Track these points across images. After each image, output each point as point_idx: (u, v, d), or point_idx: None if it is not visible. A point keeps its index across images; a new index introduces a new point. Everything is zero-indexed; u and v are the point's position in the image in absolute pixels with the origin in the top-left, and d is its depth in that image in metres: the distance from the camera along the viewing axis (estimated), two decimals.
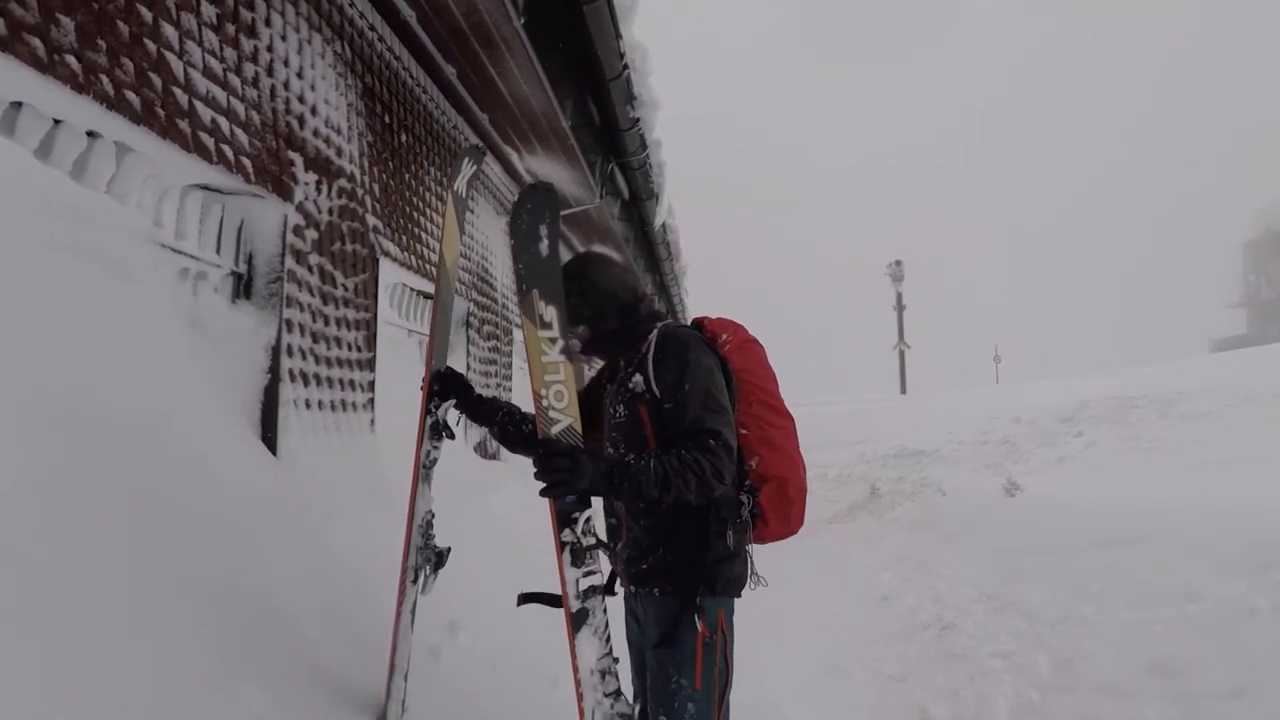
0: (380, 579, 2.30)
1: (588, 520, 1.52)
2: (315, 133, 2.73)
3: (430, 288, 4.04)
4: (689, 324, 1.77)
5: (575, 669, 1.51)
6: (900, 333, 26.99)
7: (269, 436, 2.37)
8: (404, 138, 3.60)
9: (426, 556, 1.79)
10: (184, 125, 2.01)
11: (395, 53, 3.51)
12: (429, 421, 1.80)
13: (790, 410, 1.76)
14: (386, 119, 3.39)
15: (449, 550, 1.83)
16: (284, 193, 2.50)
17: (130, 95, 1.81)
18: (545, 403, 1.49)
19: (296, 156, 2.59)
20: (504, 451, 5.10)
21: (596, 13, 3.71)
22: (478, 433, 4.71)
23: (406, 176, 3.65)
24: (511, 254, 1.51)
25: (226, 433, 2.11)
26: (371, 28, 3.27)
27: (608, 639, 1.55)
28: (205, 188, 2.30)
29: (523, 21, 3.27)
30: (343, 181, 2.94)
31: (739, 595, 1.67)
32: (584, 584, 1.52)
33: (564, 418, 1.50)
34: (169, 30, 1.97)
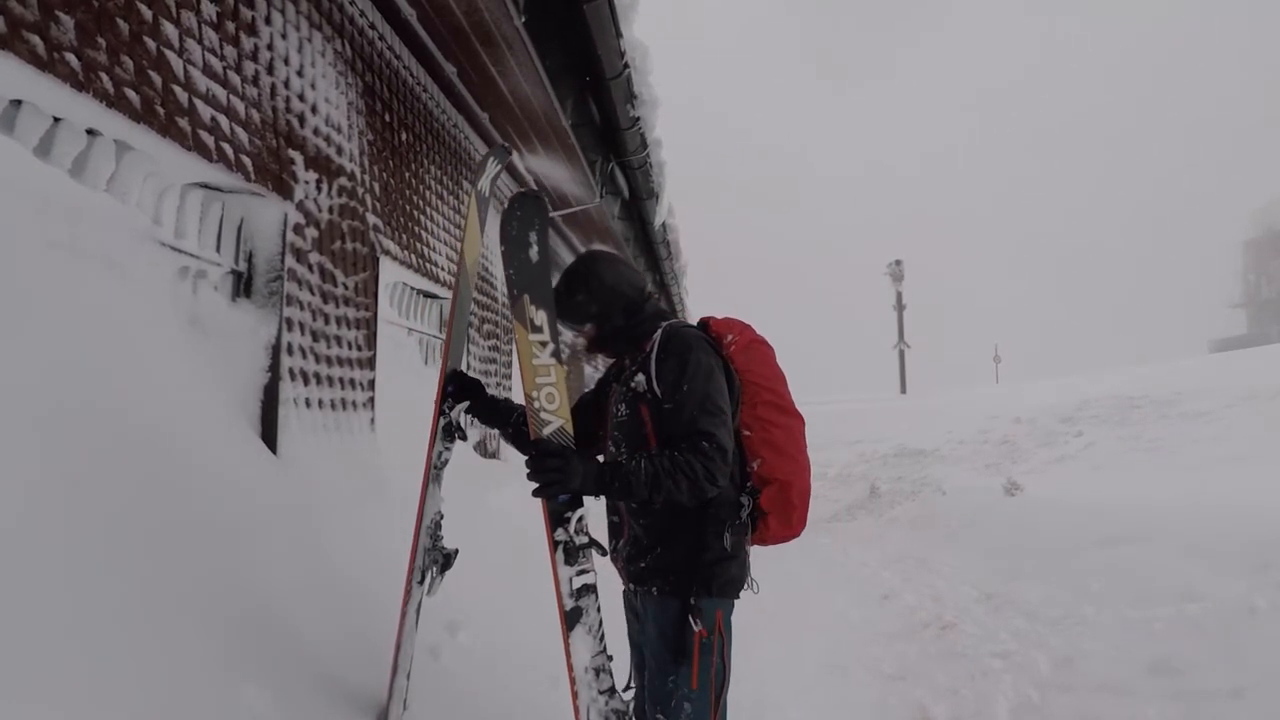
0: (380, 578, 2.30)
1: (580, 519, 1.54)
2: (315, 131, 2.73)
3: (430, 286, 4.04)
4: (695, 323, 1.76)
5: (570, 667, 1.52)
6: (900, 332, 26.99)
7: (269, 435, 2.36)
8: (404, 136, 3.60)
9: (434, 558, 1.80)
10: (184, 123, 2.00)
11: (395, 51, 3.51)
12: (442, 423, 1.80)
13: (799, 410, 1.74)
14: (387, 117, 3.39)
15: (456, 552, 1.83)
16: (284, 191, 2.50)
17: (130, 93, 1.81)
18: (537, 404, 1.51)
19: (297, 155, 2.59)
20: (504, 451, 5.10)
21: (597, 11, 3.70)
22: (477, 432, 4.70)
23: (407, 175, 3.64)
24: (503, 259, 1.54)
25: (226, 431, 2.11)
26: (372, 26, 3.26)
27: (601, 637, 1.56)
28: (205, 186, 2.30)
29: (523, 20, 3.26)
30: (343, 180, 2.94)
31: (737, 596, 1.67)
32: (577, 583, 1.53)
33: (555, 419, 1.52)
34: (169, 28, 1.97)
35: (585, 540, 1.55)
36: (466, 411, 1.84)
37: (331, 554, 2.25)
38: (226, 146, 2.19)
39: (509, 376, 5.48)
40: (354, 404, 2.99)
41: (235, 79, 2.25)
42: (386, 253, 3.34)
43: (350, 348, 2.99)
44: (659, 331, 1.67)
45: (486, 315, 5.00)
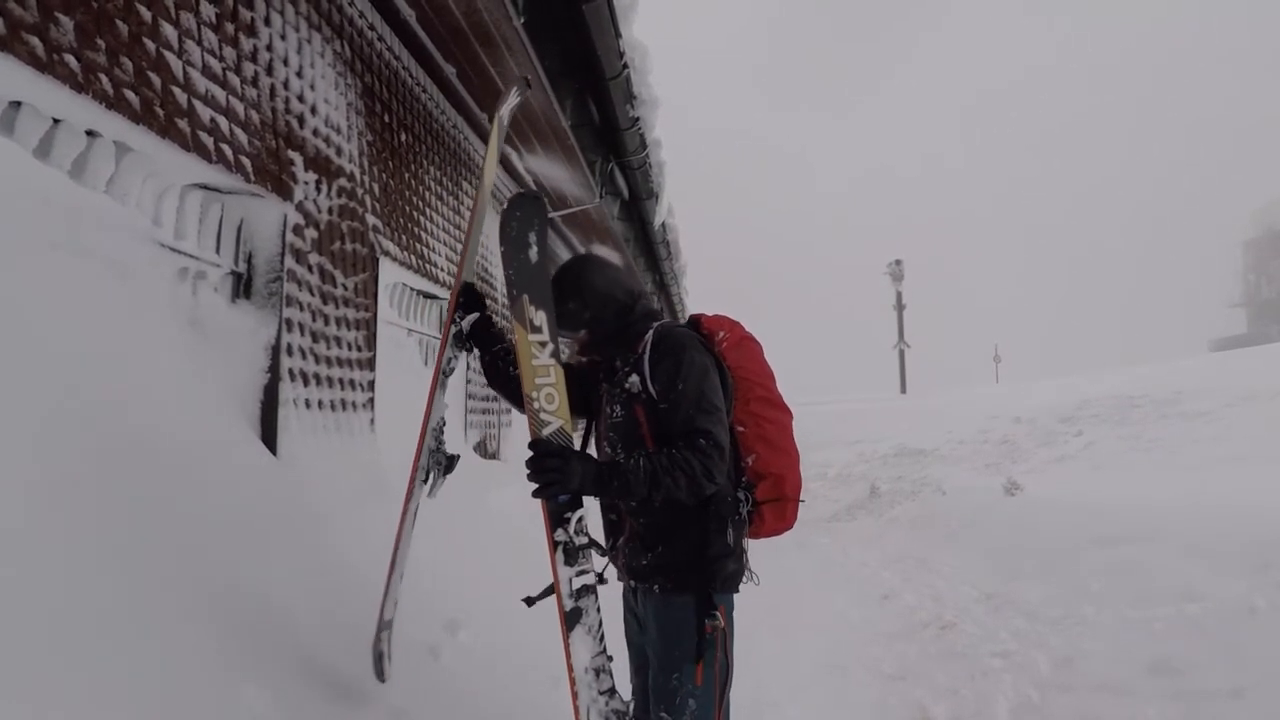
0: (380, 579, 2.30)
1: (580, 520, 1.54)
2: (315, 132, 2.73)
3: (430, 287, 4.04)
4: (685, 322, 1.78)
5: (570, 668, 1.52)
6: (900, 332, 26.99)
7: (269, 436, 2.37)
8: (404, 137, 3.60)
9: (437, 460, 1.83)
10: (183, 124, 2.01)
11: (395, 52, 3.51)
12: (453, 330, 1.83)
13: (789, 405, 1.77)
14: (386, 118, 3.39)
15: (458, 456, 1.86)
16: (284, 192, 2.50)
17: (129, 94, 1.81)
18: (536, 405, 1.51)
19: (296, 156, 2.59)
20: (504, 451, 5.10)
21: (596, 12, 3.70)
22: (477, 433, 4.71)
23: (406, 176, 3.64)
24: (502, 260, 1.54)
25: (226, 432, 2.11)
26: (371, 27, 3.27)
27: (601, 637, 1.56)
28: (205, 187, 2.30)
29: (522, 21, 3.27)
30: (342, 181, 2.94)
31: (738, 591, 1.69)
32: (577, 583, 1.53)
33: (555, 420, 1.52)
34: (168, 29, 1.97)
35: (585, 541, 1.55)
36: (470, 327, 1.86)
37: (331, 554, 2.25)
38: (226, 147, 2.19)
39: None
40: (354, 405, 3.00)
41: (234, 80, 2.25)
42: (386, 253, 3.34)
43: (350, 348, 2.99)
44: (650, 332, 1.67)
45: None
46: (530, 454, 1.49)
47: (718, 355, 1.68)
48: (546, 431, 1.51)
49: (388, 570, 1.84)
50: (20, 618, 1.16)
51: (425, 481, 1.82)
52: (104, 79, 1.73)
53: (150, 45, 1.90)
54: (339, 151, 2.92)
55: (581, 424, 1.85)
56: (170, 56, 1.97)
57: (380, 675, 1.86)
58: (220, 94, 2.17)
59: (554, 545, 1.53)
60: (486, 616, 2.65)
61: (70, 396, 1.53)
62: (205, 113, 2.10)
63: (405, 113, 3.63)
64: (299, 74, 2.64)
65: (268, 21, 2.45)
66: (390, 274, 3.54)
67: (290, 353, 2.52)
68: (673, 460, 1.49)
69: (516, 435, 5.35)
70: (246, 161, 2.29)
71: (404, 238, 3.58)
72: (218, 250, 2.37)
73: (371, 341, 3.19)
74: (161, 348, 1.95)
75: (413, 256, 3.67)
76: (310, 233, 2.68)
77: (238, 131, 2.25)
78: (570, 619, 1.52)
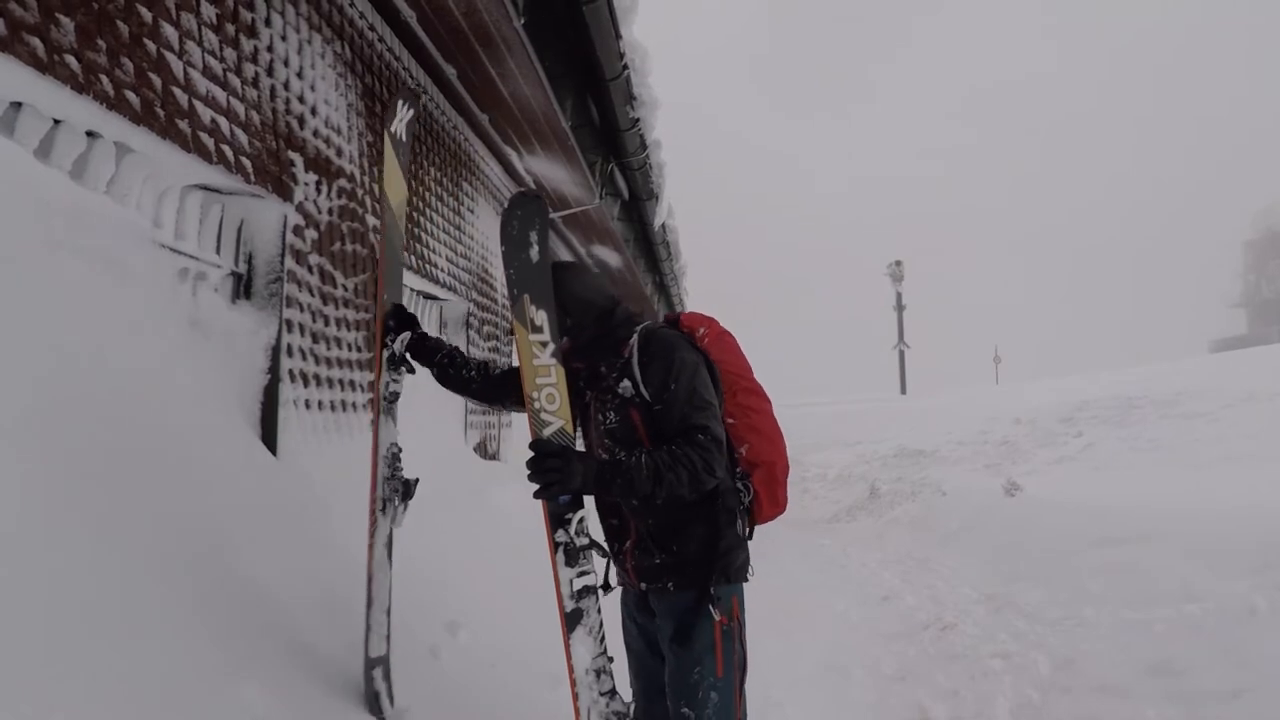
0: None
1: (581, 520, 1.54)
2: (315, 133, 2.74)
3: (430, 288, 4.04)
4: (663, 323, 1.80)
5: (570, 669, 1.52)
6: (900, 333, 26.98)
7: (269, 436, 2.37)
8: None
9: (394, 487, 1.81)
10: (184, 125, 2.01)
11: (395, 53, 3.51)
12: (386, 354, 1.85)
13: (767, 393, 1.83)
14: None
15: (416, 481, 1.84)
16: (284, 193, 2.50)
17: (130, 95, 1.81)
18: (537, 405, 1.51)
19: (296, 156, 2.60)
20: (504, 452, 5.10)
21: (597, 13, 3.70)
22: (477, 433, 4.71)
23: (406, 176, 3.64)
24: (503, 260, 1.54)
25: (226, 433, 2.11)
26: (371, 28, 3.27)
27: (602, 639, 1.56)
28: (205, 188, 2.30)
29: (523, 22, 3.27)
30: (342, 181, 2.94)
31: (747, 580, 1.71)
32: (578, 584, 1.53)
33: (556, 419, 1.52)
34: (169, 30, 1.97)
35: (586, 542, 1.55)
36: (406, 346, 1.87)
37: (331, 554, 2.25)
38: (226, 148, 2.19)
39: None
40: (354, 405, 3.00)
41: (235, 81, 2.25)
42: None
43: (350, 349, 2.99)
44: (635, 336, 1.68)
45: (486, 316, 5.01)
46: (531, 454, 1.49)
47: (703, 351, 1.70)
48: (547, 432, 1.51)
49: (365, 605, 1.81)
50: (19, 617, 1.16)
51: (384, 512, 1.80)
52: (105, 80, 1.73)
53: (151, 46, 1.90)
54: (339, 152, 2.92)
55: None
56: (171, 57, 1.97)
57: (379, 714, 1.79)
58: (221, 95, 2.18)
59: (554, 546, 1.52)
60: (486, 616, 2.65)
61: (70, 396, 1.53)
62: (206, 113, 2.10)
63: None
64: (299, 75, 2.64)
65: (268, 22, 2.46)
66: None
67: (290, 353, 2.52)
68: (673, 456, 1.50)
69: (517, 436, 5.35)
70: (247, 162, 2.29)
71: (404, 238, 3.58)
72: (218, 251, 2.37)
73: (371, 342, 3.20)
74: (161, 349, 1.95)
75: (413, 257, 3.68)
76: (310, 233, 2.68)
77: (238, 132, 2.25)
78: (571, 620, 1.52)
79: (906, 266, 27.72)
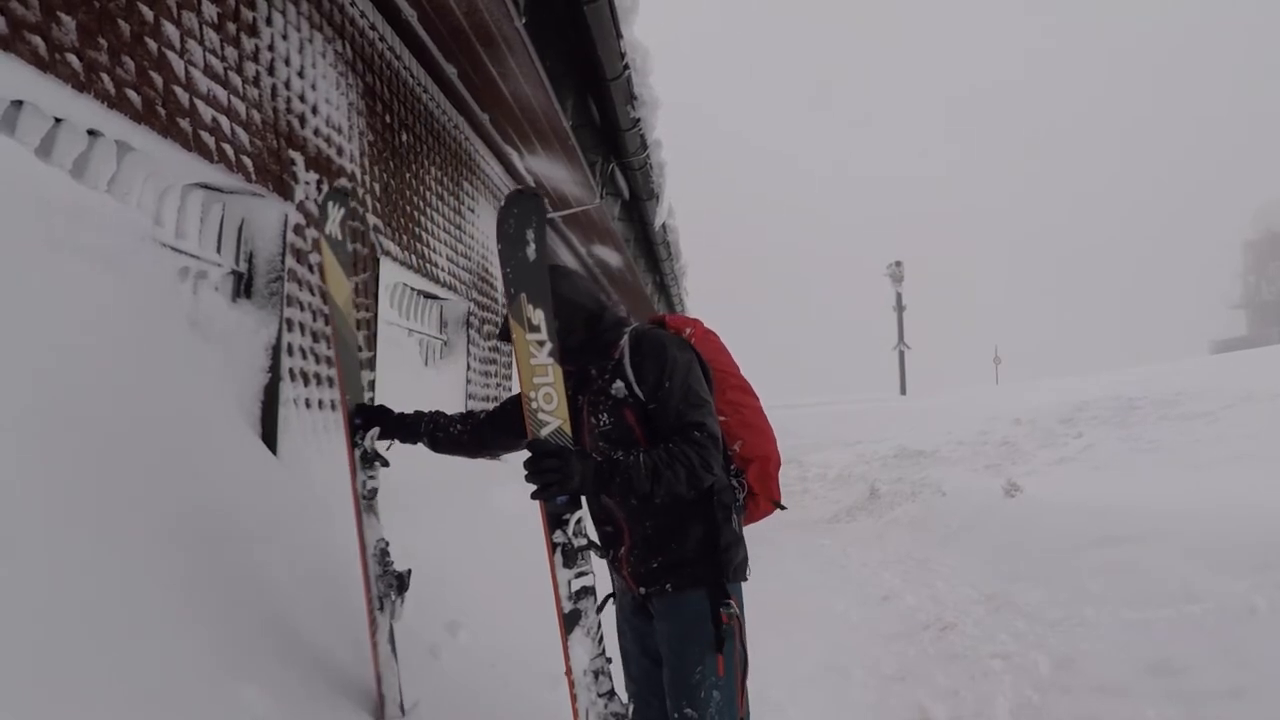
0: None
1: (579, 521, 1.53)
2: (316, 132, 2.73)
3: (430, 287, 4.04)
4: (652, 325, 1.80)
5: (568, 670, 1.51)
6: (900, 333, 26.97)
7: (269, 436, 2.37)
8: (405, 137, 3.60)
9: (388, 583, 1.81)
10: (185, 124, 2.01)
11: (396, 52, 3.51)
12: (357, 453, 1.84)
13: (754, 390, 1.85)
14: (387, 118, 3.40)
15: (409, 572, 1.84)
16: (285, 192, 2.50)
17: (131, 94, 1.81)
18: (534, 405, 1.50)
19: (297, 155, 2.60)
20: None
21: (597, 12, 3.70)
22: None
23: (407, 176, 3.65)
24: (500, 258, 1.53)
25: (226, 432, 2.11)
26: (372, 27, 3.27)
27: (600, 639, 1.56)
28: (206, 187, 2.30)
29: (524, 21, 3.27)
30: (343, 180, 2.94)
31: (746, 579, 1.72)
32: (576, 585, 1.52)
33: (553, 419, 1.51)
34: (170, 29, 1.97)
35: (584, 542, 1.54)
36: (379, 437, 1.86)
37: (331, 554, 2.25)
38: (227, 147, 2.19)
39: (509, 377, 5.48)
40: None
41: (236, 80, 2.25)
42: (387, 253, 3.34)
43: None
44: (625, 337, 1.68)
45: (487, 315, 5.01)
46: (528, 454, 1.48)
47: (694, 349, 1.71)
48: (545, 432, 1.50)
49: (378, 703, 1.80)
50: (18, 617, 1.16)
51: (383, 610, 1.80)
52: (106, 78, 1.73)
53: (152, 44, 1.90)
54: (340, 151, 2.92)
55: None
56: (172, 56, 1.97)
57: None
58: (222, 93, 2.18)
59: (552, 547, 1.52)
60: (486, 616, 2.65)
61: (69, 395, 1.53)
62: (207, 112, 2.10)
63: (406, 113, 3.63)
64: (300, 74, 2.64)
65: (269, 21, 2.46)
66: (391, 274, 3.54)
67: (291, 352, 2.52)
68: (671, 454, 1.50)
69: None
70: (248, 161, 2.29)
71: (405, 238, 3.58)
72: (219, 250, 2.37)
73: (372, 341, 3.20)
74: (162, 347, 1.95)
75: (413, 256, 3.68)
76: (311, 232, 2.68)
77: (239, 131, 2.25)
78: (569, 621, 1.52)
79: (906, 267, 27.72)
